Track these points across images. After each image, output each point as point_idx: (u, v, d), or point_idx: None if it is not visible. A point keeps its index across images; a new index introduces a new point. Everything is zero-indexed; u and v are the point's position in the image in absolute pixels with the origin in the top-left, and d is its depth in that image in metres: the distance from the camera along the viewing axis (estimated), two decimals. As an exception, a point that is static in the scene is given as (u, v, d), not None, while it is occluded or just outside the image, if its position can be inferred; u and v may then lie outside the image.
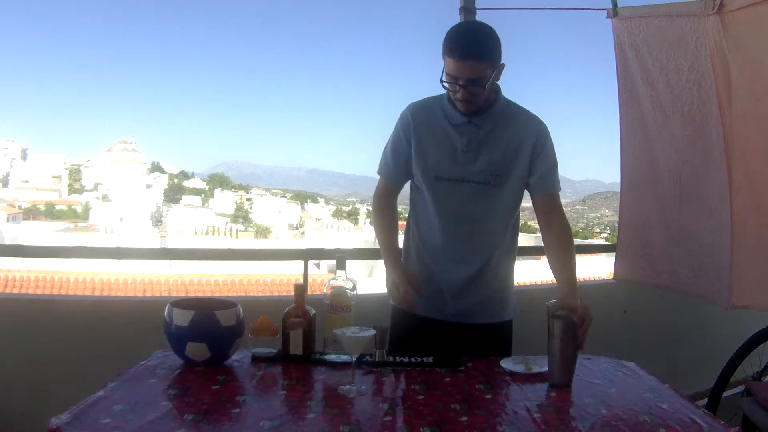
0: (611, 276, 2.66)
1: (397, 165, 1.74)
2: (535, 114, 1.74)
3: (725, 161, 1.95)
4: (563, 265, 1.67)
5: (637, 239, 2.47)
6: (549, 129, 1.73)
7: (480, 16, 2.39)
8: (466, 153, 1.66)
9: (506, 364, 1.50)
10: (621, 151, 2.48)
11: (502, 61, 1.59)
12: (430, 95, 1.75)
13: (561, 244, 1.70)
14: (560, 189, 1.75)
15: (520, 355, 1.59)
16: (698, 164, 2.11)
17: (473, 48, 1.54)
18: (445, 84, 1.59)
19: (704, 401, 2.30)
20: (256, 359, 1.48)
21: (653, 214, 2.37)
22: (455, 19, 2.40)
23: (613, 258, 2.61)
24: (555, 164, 1.72)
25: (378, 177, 1.83)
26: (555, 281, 1.67)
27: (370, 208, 1.86)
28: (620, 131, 2.47)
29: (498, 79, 1.63)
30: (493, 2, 2.49)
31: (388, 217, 1.80)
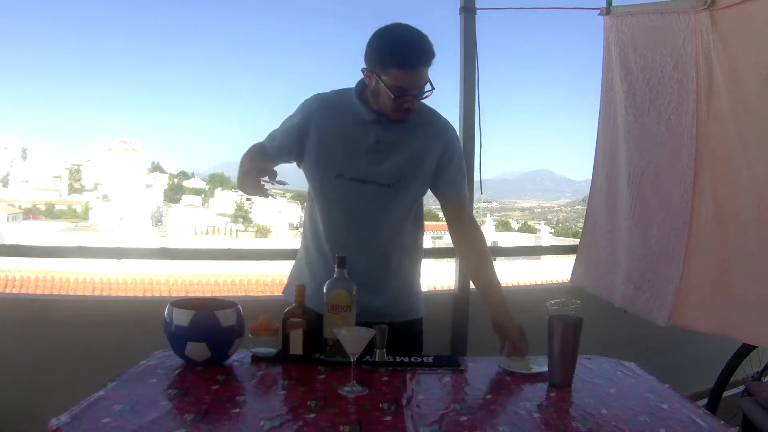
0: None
1: (281, 147, 1.68)
2: (446, 118, 1.70)
3: (693, 164, 1.88)
4: (490, 280, 1.70)
5: (595, 244, 2.38)
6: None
7: (480, 16, 2.38)
8: (372, 153, 1.60)
9: (506, 364, 1.50)
10: (595, 152, 2.41)
11: None
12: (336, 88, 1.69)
13: (483, 259, 1.72)
14: (468, 198, 1.76)
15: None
16: (664, 166, 2.02)
17: (424, 56, 1.49)
18: (393, 99, 1.51)
19: (704, 401, 2.30)
20: (256, 359, 1.48)
21: (610, 217, 2.27)
22: (455, 19, 2.40)
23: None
24: (464, 172, 1.71)
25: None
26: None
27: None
28: (597, 131, 2.40)
29: None
30: (493, 2, 2.49)
31: (252, 151, 1.71)
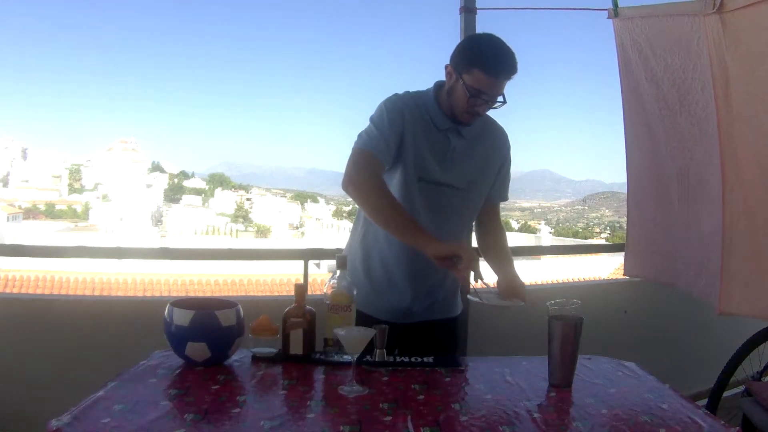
0: (612, 275, 2.66)
1: (389, 144, 1.60)
2: (501, 125, 1.81)
3: (720, 162, 1.94)
4: (507, 263, 1.75)
5: (644, 236, 2.47)
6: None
7: (480, 16, 2.38)
8: (447, 159, 1.67)
9: (473, 296, 1.56)
10: (626, 151, 2.48)
11: None
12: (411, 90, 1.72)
13: (506, 251, 1.80)
14: (508, 199, 1.87)
15: (519, 355, 1.59)
16: (702, 163, 2.10)
17: (510, 68, 1.56)
18: (468, 99, 1.57)
19: (704, 401, 2.30)
20: (256, 359, 1.48)
21: (659, 212, 2.36)
22: (455, 18, 2.40)
23: (614, 257, 2.61)
24: (510, 175, 1.86)
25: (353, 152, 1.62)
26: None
27: (351, 185, 1.58)
28: (625, 131, 2.47)
29: None
30: (494, 2, 2.49)
31: (391, 194, 1.59)
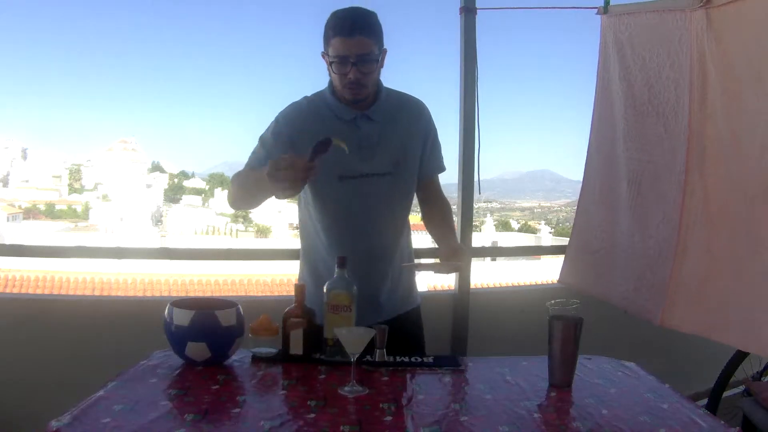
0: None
1: (272, 156, 1.47)
2: (416, 97, 1.76)
3: (685, 163, 1.87)
4: (449, 233, 1.73)
5: (587, 244, 2.36)
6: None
7: (480, 16, 2.38)
8: (363, 149, 1.62)
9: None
10: (587, 152, 2.39)
11: (384, 47, 1.57)
12: (307, 95, 1.68)
13: (448, 221, 1.77)
14: (446, 169, 1.82)
15: (519, 355, 1.59)
16: (661, 166, 2.01)
17: (361, 24, 1.51)
18: (334, 68, 1.52)
19: (704, 401, 2.31)
20: (256, 359, 1.48)
21: (607, 218, 2.26)
22: (455, 18, 2.40)
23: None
24: (440, 145, 1.79)
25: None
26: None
27: (227, 199, 1.69)
28: (590, 131, 2.37)
29: (382, 66, 1.60)
30: (494, 2, 2.49)
31: (243, 171, 1.62)
